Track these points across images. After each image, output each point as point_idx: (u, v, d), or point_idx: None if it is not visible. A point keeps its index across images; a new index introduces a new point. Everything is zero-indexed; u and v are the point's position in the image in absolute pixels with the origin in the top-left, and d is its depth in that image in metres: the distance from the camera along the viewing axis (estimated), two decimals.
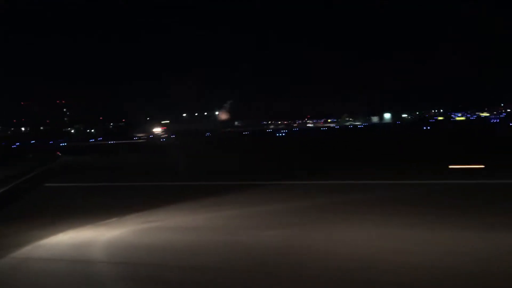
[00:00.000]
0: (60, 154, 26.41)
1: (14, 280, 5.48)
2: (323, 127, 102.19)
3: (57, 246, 6.82)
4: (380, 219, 7.54)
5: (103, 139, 69.23)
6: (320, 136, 52.50)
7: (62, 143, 57.51)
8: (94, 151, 34.82)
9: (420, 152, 20.55)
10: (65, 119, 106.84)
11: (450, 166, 14.08)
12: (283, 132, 74.81)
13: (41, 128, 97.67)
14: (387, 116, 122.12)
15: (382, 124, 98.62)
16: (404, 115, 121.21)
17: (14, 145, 54.42)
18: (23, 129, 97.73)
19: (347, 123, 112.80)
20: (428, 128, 58.13)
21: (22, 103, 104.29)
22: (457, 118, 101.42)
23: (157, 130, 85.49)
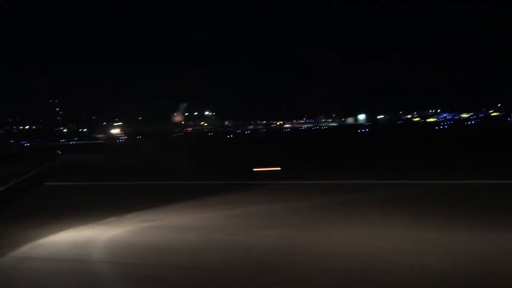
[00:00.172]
0: (60, 153, 26.41)
1: (14, 280, 5.47)
2: (296, 127, 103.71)
3: (57, 245, 6.82)
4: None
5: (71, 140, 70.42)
6: (265, 136, 56.86)
7: (26, 143, 58.06)
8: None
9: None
10: (58, 118, 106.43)
11: (253, 169, 15.52)
12: (249, 132, 79.36)
13: (33, 127, 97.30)
14: (362, 117, 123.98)
15: (350, 126, 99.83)
16: (380, 116, 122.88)
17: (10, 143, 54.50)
18: (14, 128, 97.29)
19: (323, 124, 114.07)
20: (384, 130, 60.94)
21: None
22: (427, 120, 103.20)
23: (115, 131, 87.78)
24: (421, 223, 7.16)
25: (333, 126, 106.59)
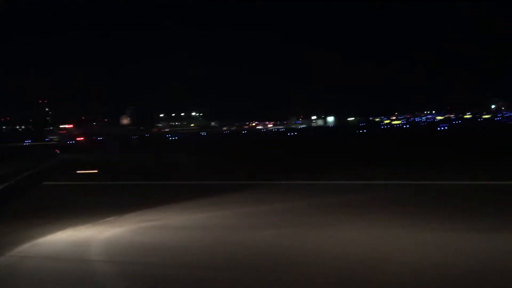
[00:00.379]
0: (58, 152, 26.30)
1: (12, 279, 5.45)
2: (262, 129, 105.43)
3: (55, 245, 6.80)
4: None
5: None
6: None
7: None
8: None
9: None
10: (48, 118, 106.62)
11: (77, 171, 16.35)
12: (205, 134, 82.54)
13: (22, 127, 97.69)
14: (331, 119, 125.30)
15: (315, 128, 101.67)
16: (350, 118, 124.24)
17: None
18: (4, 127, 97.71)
19: (293, 126, 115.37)
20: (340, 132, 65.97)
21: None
22: (393, 122, 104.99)
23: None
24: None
25: (299, 128, 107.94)
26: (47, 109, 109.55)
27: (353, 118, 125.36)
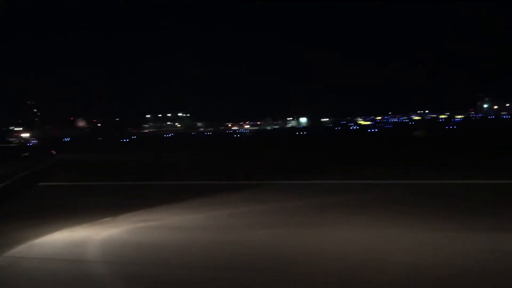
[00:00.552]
0: (54, 153, 26.16)
1: (8, 280, 5.40)
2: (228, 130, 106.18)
3: (52, 245, 6.76)
4: None
5: None
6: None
7: None
8: None
9: None
10: (36, 119, 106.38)
11: None
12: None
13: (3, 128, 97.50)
14: (303, 120, 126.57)
15: (285, 129, 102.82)
16: (324, 119, 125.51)
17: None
18: None
19: (267, 127, 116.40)
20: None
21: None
22: (361, 122, 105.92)
23: (25, 135, 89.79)
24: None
25: (272, 128, 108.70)
26: (35, 110, 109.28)
27: (327, 119, 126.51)
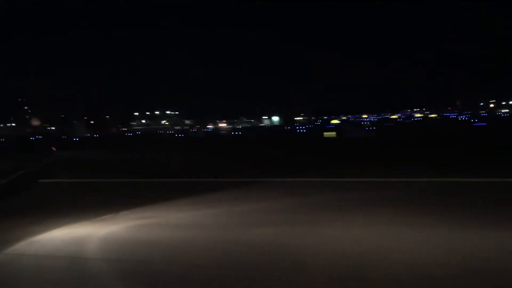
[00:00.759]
0: (54, 150, 26.24)
1: (8, 276, 5.42)
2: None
3: (52, 242, 6.77)
4: None
5: None
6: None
7: None
8: None
9: None
10: (27, 116, 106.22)
11: None
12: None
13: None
14: (276, 118, 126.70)
15: (258, 127, 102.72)
16: (298, 118, 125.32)
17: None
18: None
19: (240, 125, 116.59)
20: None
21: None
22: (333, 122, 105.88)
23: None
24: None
25: (241, 127, 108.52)
26: (26, 107, 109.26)
27: (301, 118, 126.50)
